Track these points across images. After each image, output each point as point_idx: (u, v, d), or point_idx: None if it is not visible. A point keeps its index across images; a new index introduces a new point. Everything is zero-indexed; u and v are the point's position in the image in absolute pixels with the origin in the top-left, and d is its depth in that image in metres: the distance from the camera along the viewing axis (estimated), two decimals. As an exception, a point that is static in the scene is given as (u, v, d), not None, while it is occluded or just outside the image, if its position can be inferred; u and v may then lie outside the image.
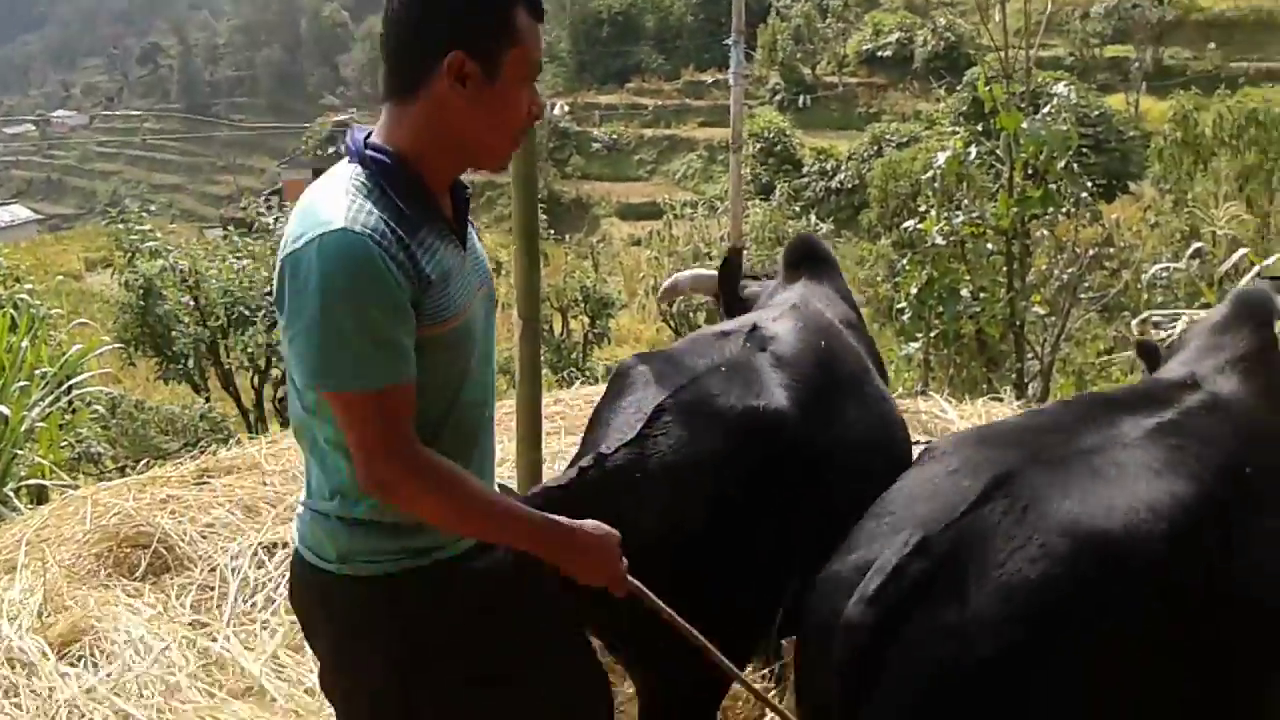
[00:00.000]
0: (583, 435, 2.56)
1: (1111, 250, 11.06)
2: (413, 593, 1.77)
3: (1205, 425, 2.11)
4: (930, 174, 9.32)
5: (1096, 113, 24.02)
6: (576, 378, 9.95)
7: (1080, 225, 10.44)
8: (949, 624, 1.72)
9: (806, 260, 3.29)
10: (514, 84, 1.75)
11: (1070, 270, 9.89)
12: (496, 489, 1.95)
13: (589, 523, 1.82)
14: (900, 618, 1.74)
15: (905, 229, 9.29)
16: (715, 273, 3.75)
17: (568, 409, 4.76)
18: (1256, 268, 7.52)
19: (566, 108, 42.31)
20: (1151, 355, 2.83)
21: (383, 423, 1.66)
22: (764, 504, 2.27)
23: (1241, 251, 8.28)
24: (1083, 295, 9.67)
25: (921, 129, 29.04)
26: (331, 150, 42.36)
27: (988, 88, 9.10)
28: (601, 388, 5.50)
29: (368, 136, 1.75)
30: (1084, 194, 9.40)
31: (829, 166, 30.04)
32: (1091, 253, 10.10)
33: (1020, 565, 1.73)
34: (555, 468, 3.93)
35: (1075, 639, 1.71)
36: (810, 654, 1.99)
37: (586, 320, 13.21)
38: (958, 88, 27.60)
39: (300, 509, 1.86)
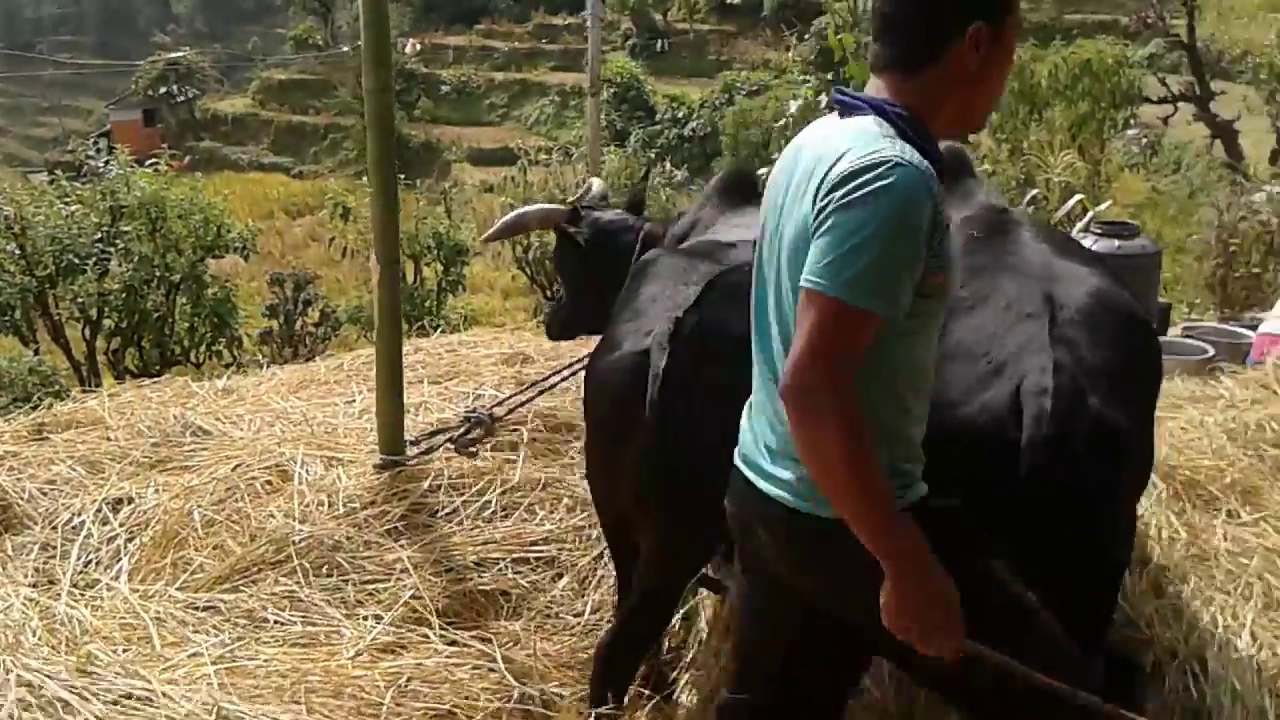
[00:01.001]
0: (615, 320, 2.73)
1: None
2: None
3: None
4: (782, 122, 9.47)
5: (939, 64, 24.58)
6: (435, 326, 9.77)
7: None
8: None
9: (742, 190, 3.54)
10: (1009, 49, 1.89)
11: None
12: None
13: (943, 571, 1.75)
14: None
15: (759, 176, 9.39)
16: (564, 207, 3.77)
17: (428, 357, 4.67)
18: (1090, 213, 7.90)
19: (418, 47, 41.11)
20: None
21: (841, 338, 1.69)
22: None
23: (1075, 198, 8.67)
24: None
25: (771, 77, 29.29)
26: (164, 90, 40.27)
27: (838, 37, 9.26)
28: (458, 336, 5.44)
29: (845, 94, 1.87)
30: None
31: (681, 114, 30.10)
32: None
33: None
34: (419, 418, 3.87)
35: None
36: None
37: (440, 268, 12.95)
38: (806, 36, 27.90)
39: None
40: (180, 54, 44.22)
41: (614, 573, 3.11)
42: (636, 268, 2.96)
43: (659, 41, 38.61)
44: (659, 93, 33.54)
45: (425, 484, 3.41)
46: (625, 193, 12.88)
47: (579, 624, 3.08)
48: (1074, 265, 2.54)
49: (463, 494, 3.43)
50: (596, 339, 2.88)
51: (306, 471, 3.49)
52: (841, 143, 1.76)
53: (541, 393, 3.92)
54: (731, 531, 2.07)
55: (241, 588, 3.04)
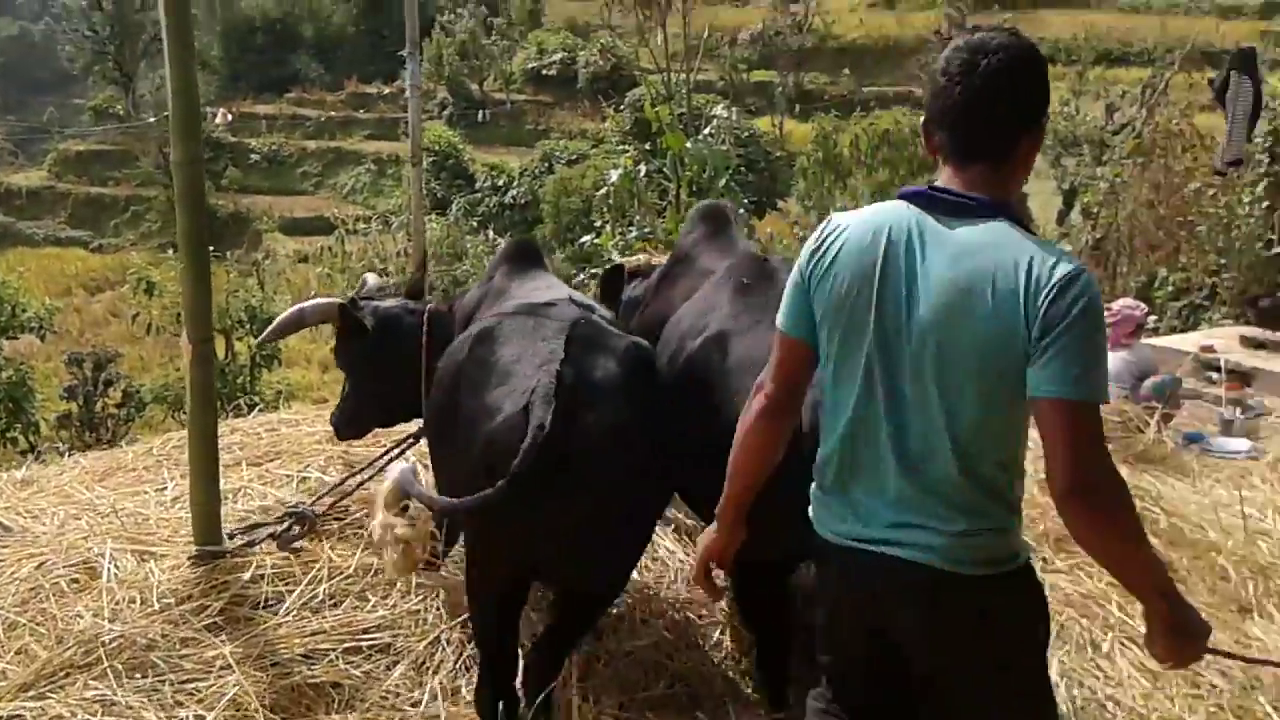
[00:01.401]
0: (478, 389, 2.79)
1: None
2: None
3: None
4: (604, 191, 9.62)
5: (747, 134, 25.51)
6: (251, 404, 9.39)
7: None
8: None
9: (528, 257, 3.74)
10: None
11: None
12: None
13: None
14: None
15: (581, 244, 9.50)
16: (336, 300, 3.79)
17: (246, 438, 4.47)
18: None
19: (229, 116, 39.94)
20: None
21: (1099, 430, 1.94)
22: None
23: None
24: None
25: (589, 146, 29.76)
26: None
27: (655, 109, 9.51)
28: (279, 414, 5.22)
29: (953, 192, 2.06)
30: (741, 210, 9.99)
31: (501, 182, 30.17)
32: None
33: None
34: (238, 505, 3.69)
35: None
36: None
37: (253, 342, 12.49)
38: (622, 107, 28.56)
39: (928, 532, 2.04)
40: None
41: (453, 656, 3.02)
42: (473, 337, 2.95)
43: (478, 111, 38.71)
44: (478, 161, 33.54)
45: (246, 575, 3.24)
46: (446, 259, 12.80)
47: (417, 713, 2.95)
48: None
49: (287, 583, 3.27)
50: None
51: (117, 567, 3.27)
52: (1019, 253, 1.96)
53: (370, 478, 3.78)
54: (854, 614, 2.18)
55: (48, 694, 2.81)
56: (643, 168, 9.33)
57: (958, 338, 1.97)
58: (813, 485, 2.22)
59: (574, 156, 28.26)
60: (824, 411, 2.19)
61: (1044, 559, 3.49)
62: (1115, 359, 5.91)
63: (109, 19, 43.47)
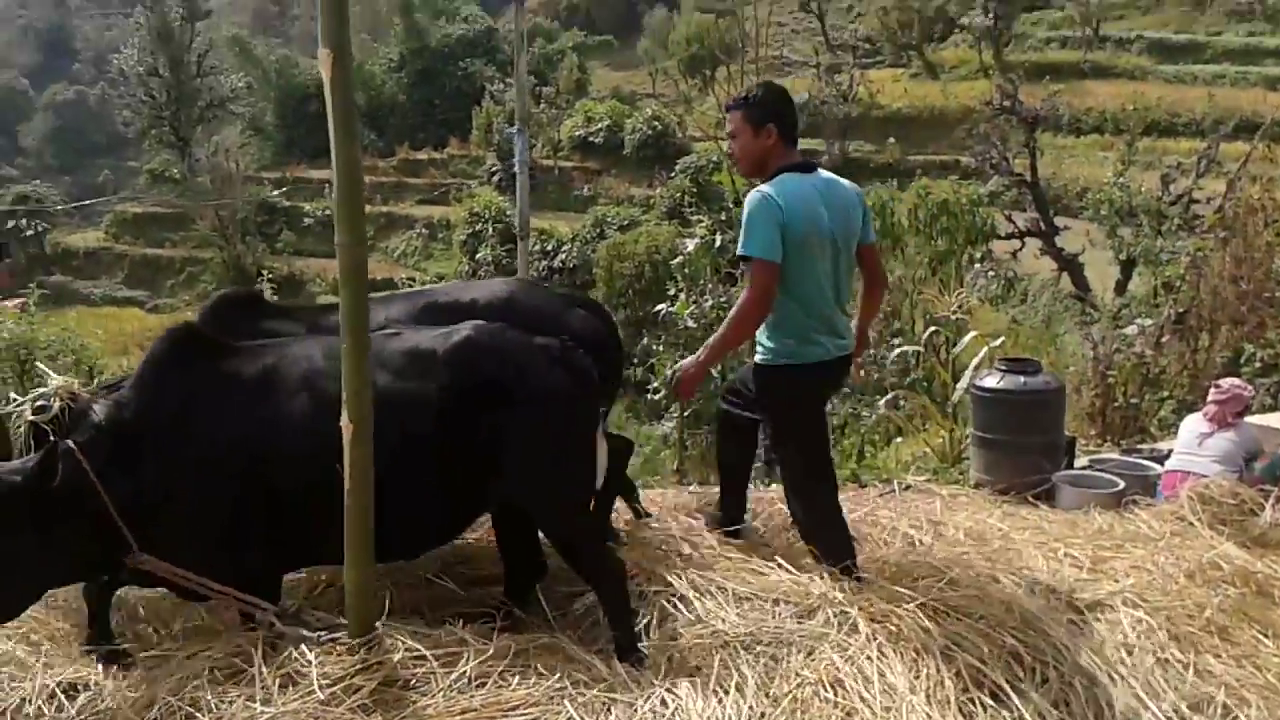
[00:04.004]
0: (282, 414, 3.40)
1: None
2: None
3: None
4: (679, 259, 9.66)
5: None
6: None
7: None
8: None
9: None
10: None
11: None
12: None
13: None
14: None
15: (658, 312, 9.53)
16: None
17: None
18: (984, 350, 8.26)
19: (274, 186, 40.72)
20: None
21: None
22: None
23: (970, 334, 9.07)
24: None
25: (639, 212, 30.02)
26: (11, 224, 38.73)
27: (730, 178, 9.59)
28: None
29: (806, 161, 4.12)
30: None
31: (550, 246, 30.43)
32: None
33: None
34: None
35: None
36: None
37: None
38: (672, 175, 28.84)
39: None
40: (29, 186, 42.78)
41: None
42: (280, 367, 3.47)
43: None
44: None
45: (396, 656, 3.21)
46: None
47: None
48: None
49: (430, 664, 3.24)
50: None
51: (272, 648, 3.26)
52: (847, 184, 4.17)
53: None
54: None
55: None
56: (718, 237, 9.36)
57: (849, 234, 4.03)
58: (792, 340, 3.96)
59: (625, 222, 28.48)
60: (796, 295, 3.88)
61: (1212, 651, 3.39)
62: (1223, 440, 5.81)
63: (166, 85, 44.65)
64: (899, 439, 11.57)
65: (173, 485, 3.26)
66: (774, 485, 6.61)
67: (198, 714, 2.98)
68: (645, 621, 3.62)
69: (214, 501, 3.31)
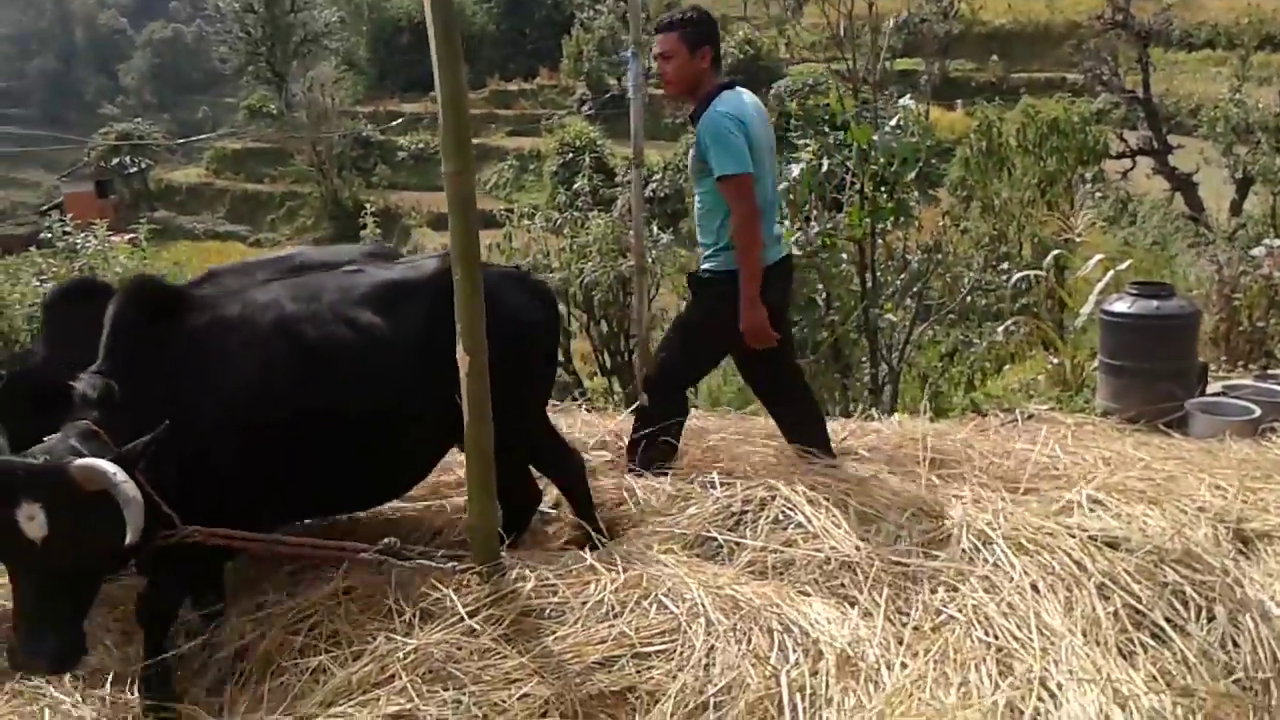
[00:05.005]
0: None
1: (939, 256, 11.37)
2: None
3: None
4: (784, 185, 9.42)
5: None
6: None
7: (909, 234, 10.80)
8: None
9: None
10: None
11: (903, 277, 10.19)
12: None
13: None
14: None
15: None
16: None
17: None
18: (1110, 272, 7.94)
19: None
20: None
21: None
22: None
23: (1096, 258, 8.73)
24: (929, 303, 9.98)
25: (733, 139, 29.53)
26: (116, 161, 39.77)
27: (840, 100, 9.29)
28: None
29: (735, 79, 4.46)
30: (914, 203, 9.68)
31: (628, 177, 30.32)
32: (920, 259, 10.46)
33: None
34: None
35: None
36: None
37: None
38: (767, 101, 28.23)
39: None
40: (131, 124, 43.82)
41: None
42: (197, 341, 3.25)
43: (617, 105, 38.95)
44: (617, 155, 33.69)
45: (528, 585, 3.21)
46: (610, 255, 12.80)
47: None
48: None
49: (565, 593, 3.23)
50: None
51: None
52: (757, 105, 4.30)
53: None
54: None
55: (350, 712, 2.81)
56: (825, 162, 9.09)
57: (773, 146, 4.32)
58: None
59: (719, 150, 28.05)
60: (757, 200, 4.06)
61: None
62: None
63: (262, 21, 45.10)
64: (1008, 366, 11.30)
65: (185, 450, 3.00)
66: (891, 416, 6.47)
67: (335, 648, 3.00)
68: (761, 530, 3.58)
69: (221, 461, 3.16)
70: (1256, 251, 8.95)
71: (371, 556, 3.28)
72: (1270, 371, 6.78)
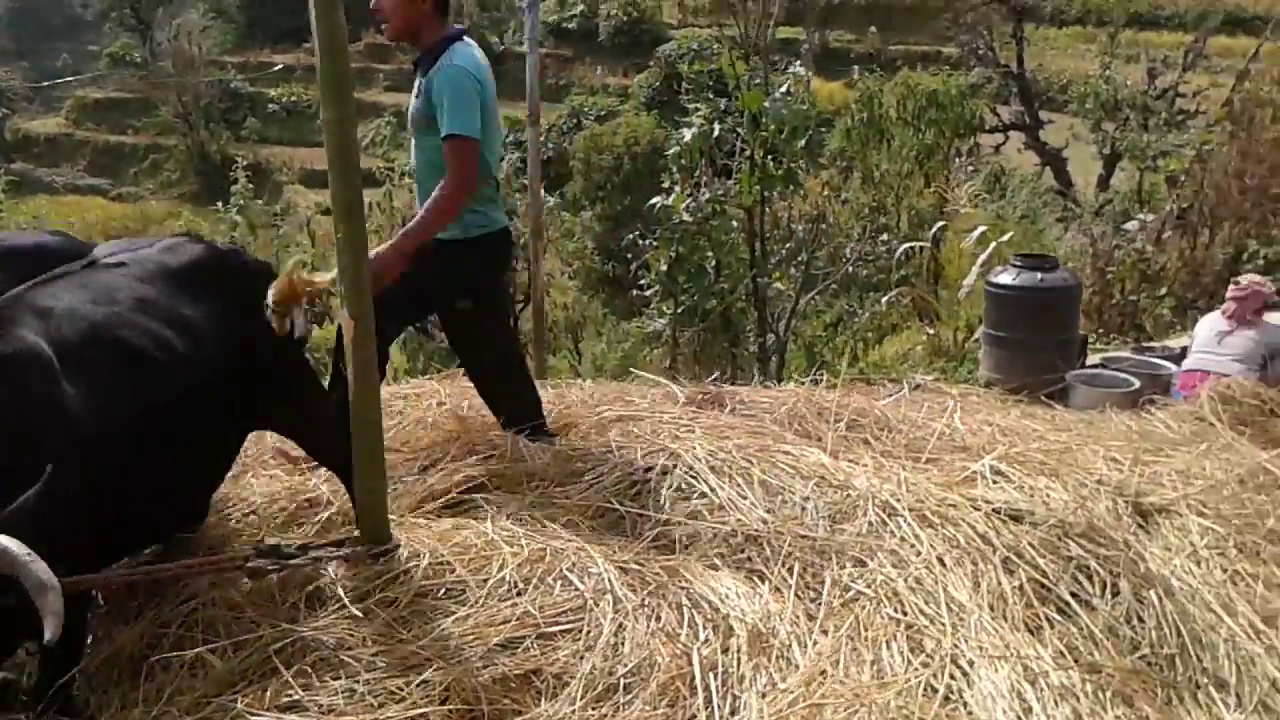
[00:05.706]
0: None
1: (824, 226, 11.44)
2: None
3: None
4: (674, 150, 9.33)
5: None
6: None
7: (793, 203, 10.86)
8: None
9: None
10: None
11: (789, 245, 10.24)
12: None
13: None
14: None
15: (652, 205, 9.22)
16: None
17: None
18: (992, 245, 8.09)
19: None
20: None
21: None
22: None
23: (979, 229, 8.88)
24: (814, 272, 10.03)
25: (617, 103, 29.36)
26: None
27: (731, 65, 9.22)
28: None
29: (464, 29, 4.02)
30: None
31: (523, 137, 29.87)
32: (805, 229, 10.52)
33: None
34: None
35: None
36: None
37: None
38: (650, 63, 28.10)
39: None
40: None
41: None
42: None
43: (498, 64, 38.32)
44: (500, 115, 33.11)
45: (423, 563, 3.06)
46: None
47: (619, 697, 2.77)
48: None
49: (464, 572, 3.09)
50: None
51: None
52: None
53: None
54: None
55: (231, 705, 2.62)
56: (717, 127, 9.03)
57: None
58: (483, 209, 3.93)
59: (603, 113, 27.85)
60: (483, 165, 3.78)
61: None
62: (1243, 338, 5.71)
63: (125, -36, 42.96)
64: (888, 337, 11.48)
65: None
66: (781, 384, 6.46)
67: (214, 639, 2.80)
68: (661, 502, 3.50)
69: (71, 492, 2.55)
70: (1129, 226, 9.25)
71: (255, 565, 2.97)
72: (1147, 344, 6.99)
